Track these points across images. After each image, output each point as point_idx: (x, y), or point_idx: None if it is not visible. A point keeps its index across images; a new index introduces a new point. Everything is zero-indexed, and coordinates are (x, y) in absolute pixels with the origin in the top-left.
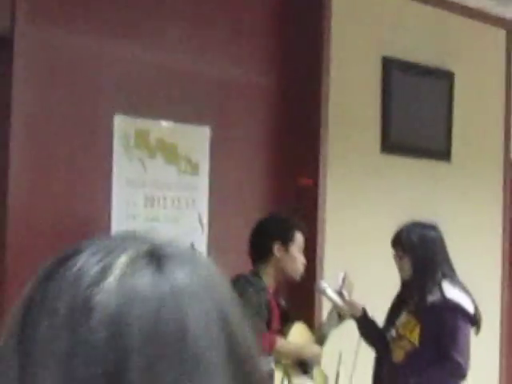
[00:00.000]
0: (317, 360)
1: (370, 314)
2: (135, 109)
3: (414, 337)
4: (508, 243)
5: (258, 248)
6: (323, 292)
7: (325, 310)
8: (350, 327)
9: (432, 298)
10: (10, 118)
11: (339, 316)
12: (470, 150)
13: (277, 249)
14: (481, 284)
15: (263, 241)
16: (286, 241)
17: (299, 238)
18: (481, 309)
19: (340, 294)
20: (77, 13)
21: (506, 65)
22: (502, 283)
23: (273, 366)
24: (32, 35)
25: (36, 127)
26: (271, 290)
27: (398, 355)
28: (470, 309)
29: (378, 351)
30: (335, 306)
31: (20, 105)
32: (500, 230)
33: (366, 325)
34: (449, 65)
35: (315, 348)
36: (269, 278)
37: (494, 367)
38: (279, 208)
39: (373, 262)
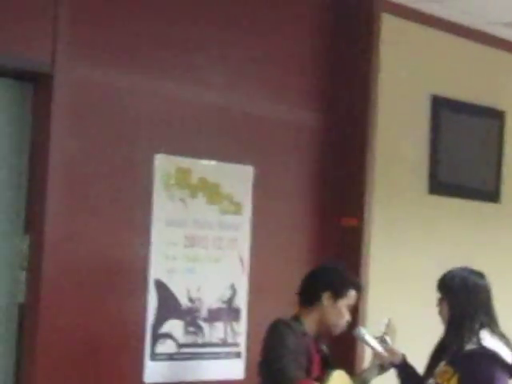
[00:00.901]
0: None
1: (413, 359)
2: (177, 147)
3: None
4: None
5: (308, 291)
6: (362, 339)
7: (367, 357)
8: (390, 375)
9: (469, 346)
10: (48, 155)
11: (380, 364)
12: None
13: (326, 298)
14: None
15: (315, 286)
16: (338, 294)
17: (352, 296)
18: None
19: (382, 340)
20: (117, 51)
21: None
22: None
23: None
24: (72, 72)
25: (74, 165)
26: (312, 337)
27: None
28: (509, 359)
29: None
30: (374, 352)
31: (58, 142)
32: None
33: (405, 373)
34: (500, 104)
35: None
36: (310, 324)
37: None
38: (323, 251)
39: (417, 305)
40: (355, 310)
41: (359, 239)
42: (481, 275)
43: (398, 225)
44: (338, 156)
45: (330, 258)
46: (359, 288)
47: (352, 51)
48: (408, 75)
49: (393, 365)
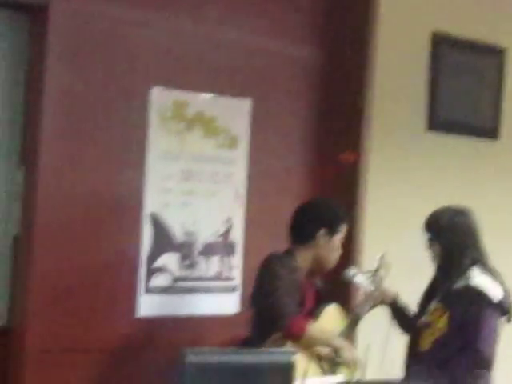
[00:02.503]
0: (348, 356)
1: (408, 297)
2: (173, 80)
3: (442, 324)
4: None
5: (302, 230)
6: (352, 280)
7: (360, 293)
8: (383, 313)
9: (458, 284)
10: (44, 87)
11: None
12: None
13: (322, 235)
14: None
15: (310, 224)
16: (332, 230)
17: (344, 230)
18: None
19: (375, 275)
20: None
21: None
22: None
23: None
24: (68, 4)
25: (70, 98)
26: (306, 272)
27: (427, 343)
28: (498, 296)
29: (409, 337)
30: (365, 292)
31: (54, 74)
32: None
33: (396, 311)
34: (500, 40)
35: (348, 347)
36: (304, 260)
37: None
38: (320, 187)
39: (413, 243)
40: (350, 247)
41: (357, 175)
42: (466, 212)
43: (397, 162)
44: (337, 91)
45: (318, 195)
46: (349, 221)
47: None
48: (408, 11)
49: (384, 303)
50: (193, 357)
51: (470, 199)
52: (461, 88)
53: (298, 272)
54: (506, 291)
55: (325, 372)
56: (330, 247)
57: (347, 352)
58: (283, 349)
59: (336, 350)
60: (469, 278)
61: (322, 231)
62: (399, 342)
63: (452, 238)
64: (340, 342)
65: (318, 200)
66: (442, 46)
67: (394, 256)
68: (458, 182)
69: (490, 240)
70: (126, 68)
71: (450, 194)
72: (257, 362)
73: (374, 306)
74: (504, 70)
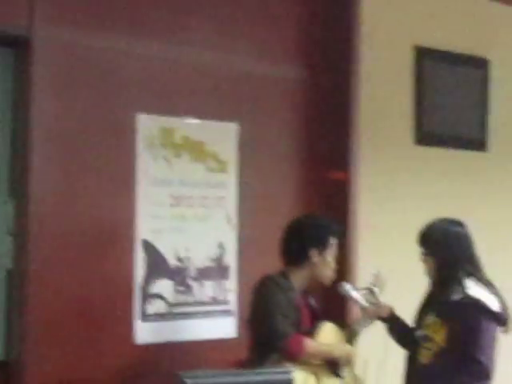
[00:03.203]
0: (349, 360)
1: (401, 311)
2: (159, 107)
3: (441, 338)
4: None
5: (293, 251)
6: (346, 294)
7: (355, 310)
8: (380, 328)
9: (454, 297)
10: (30, 119)
11: (368, 317)
12: (507, 140)
13: (315, 255)
14: None
15: (300, 245)
16: (323, 247)
17: (334, 243)
18: None
19: (371, 291)
20: (97, 11)
21: None
22: None
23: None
24: (51, 35)
25: (57, 128)
26: (300, 292)
27: (426, 356)
28: (495, 307)
29: (407, 351)
30: (360, 307)
31: (40, 105)
32: None
33: (393, 325)
34: (483, 52)
35: (347, 347)
36: (299, 280)
37: None
38: (311, 206)
39: (405, 257)
40: (344, 263)
41: (347, 192)
42: (460, 224)
43: (385, 177)
44: (323, 110)
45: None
46: (338, 233)
47: (334, 3)
48: (391, 26)
49: (380, 318)
50: (190, 380)
51: (459, 210)
52: (446, 101)
53: (293, 292)
54: (501, 302)
55: None
56: (324, 264)
57: (351, 358)
58: (281, 367)
59: (339, 360)
60: (465, 290)
61: (314, 250)
62: (397, 356)
63: (447, 251)
64: (340, 351)
65: (303, 219)
66: (425, 59)
67: (387, 269)
68: (448, 193)
69: (481, 251)
70: (112, 96)
71: (440, 206)
72: (255, 381)
73: (371, 321)
74: (488, 81)
